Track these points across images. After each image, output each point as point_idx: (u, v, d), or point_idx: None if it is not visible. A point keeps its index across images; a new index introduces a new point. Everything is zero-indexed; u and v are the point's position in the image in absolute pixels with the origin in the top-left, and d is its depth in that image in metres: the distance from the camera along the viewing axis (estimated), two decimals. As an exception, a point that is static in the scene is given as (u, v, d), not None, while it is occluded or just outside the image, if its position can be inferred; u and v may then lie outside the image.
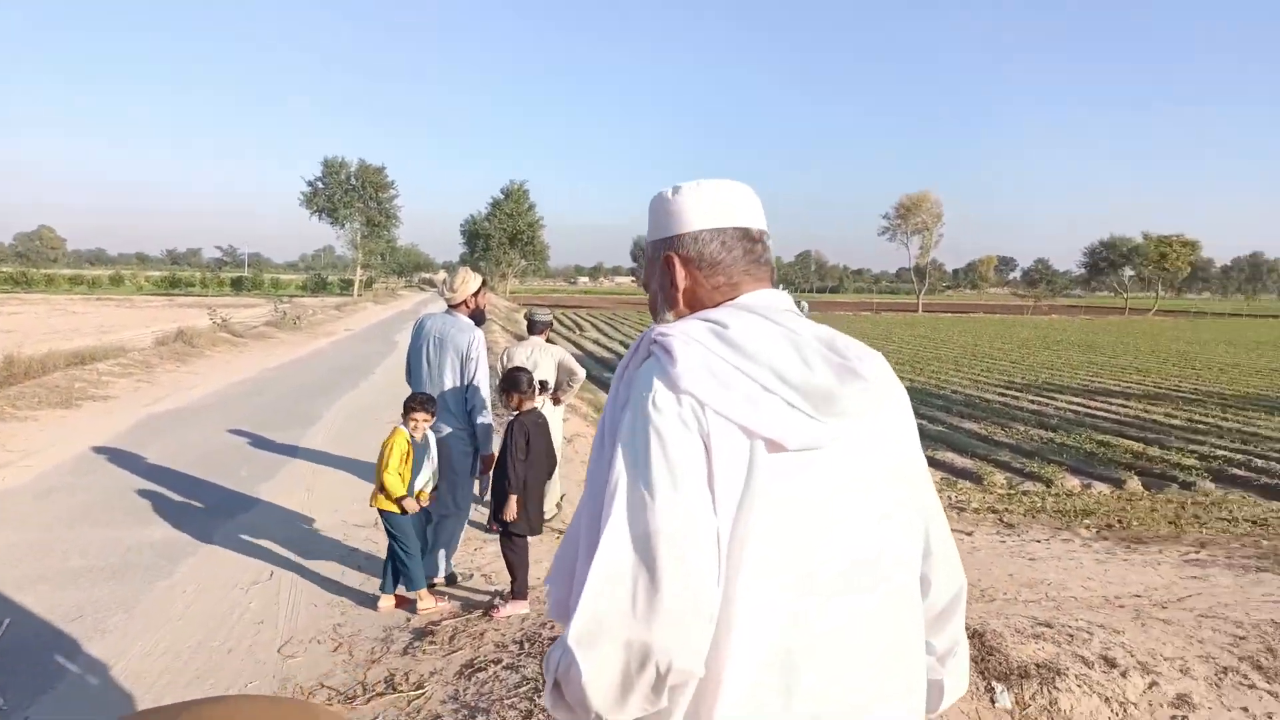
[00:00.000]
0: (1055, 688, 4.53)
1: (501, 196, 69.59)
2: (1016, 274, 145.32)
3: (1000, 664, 4.63)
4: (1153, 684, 4.59)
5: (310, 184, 60.37)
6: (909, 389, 18.66)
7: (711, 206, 1.28)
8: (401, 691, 3.38)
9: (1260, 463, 11.21)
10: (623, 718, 1.05)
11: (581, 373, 6.34)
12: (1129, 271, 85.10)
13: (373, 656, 3.78)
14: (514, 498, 4.20)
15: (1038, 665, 4.63)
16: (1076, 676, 4.58)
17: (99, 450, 8.10)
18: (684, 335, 1.15)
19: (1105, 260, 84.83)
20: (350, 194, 60.11)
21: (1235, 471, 10.76)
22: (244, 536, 5.57)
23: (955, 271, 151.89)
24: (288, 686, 3.50)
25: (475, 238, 70.67)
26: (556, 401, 6.22)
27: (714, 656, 1.06)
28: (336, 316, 33.89)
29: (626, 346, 27.23)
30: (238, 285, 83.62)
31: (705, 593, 1.03)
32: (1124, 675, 4.63)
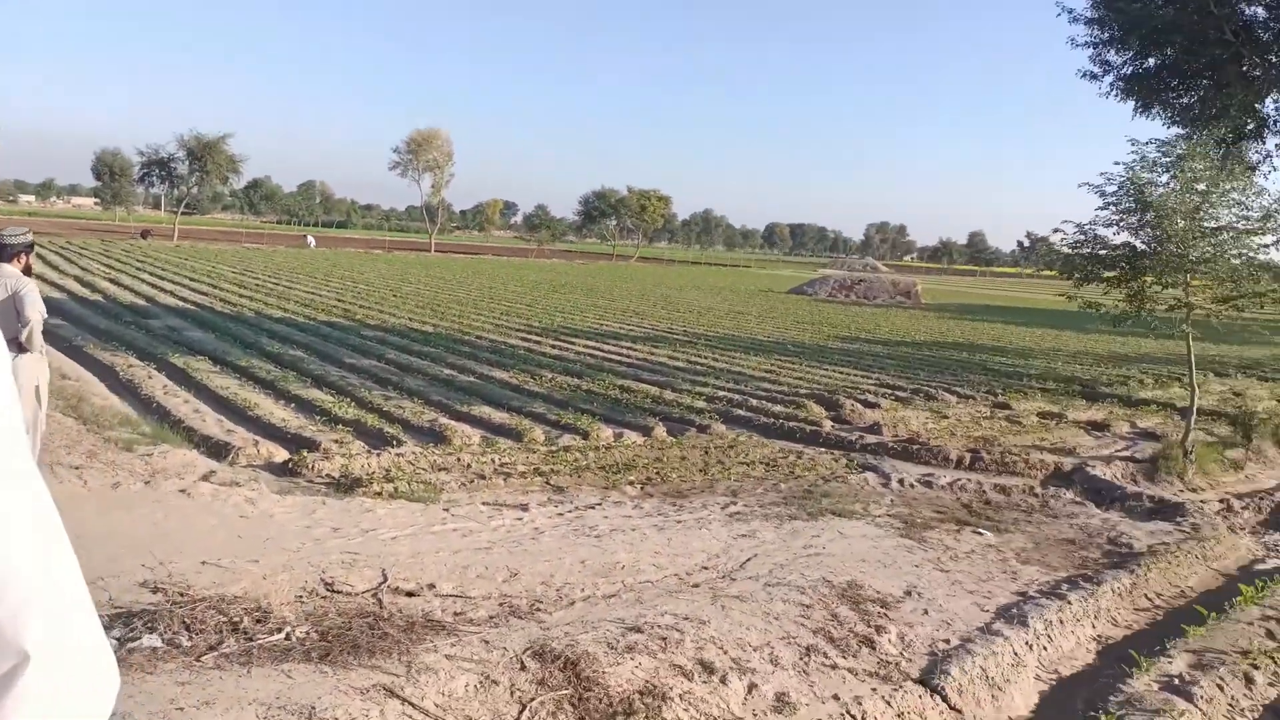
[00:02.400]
0: (663, 718, 3.82)
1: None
2: (519, 218, 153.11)
3: (602, 702, 3.77)
4: (752, 686, 4.10)
5: None
6: (434, 334, 17.75)
7: None
8: None
9: (755, 402, 12.31)
10: None
11: (33, 315, 5.39)
12: (614, 220, 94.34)
13: None
14: None
15: (640, 693, 3.87)
16: (681, 697, 3.91)
17: None
18: None
19: (596, 209, 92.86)
20: None
21: (738, 412, 11.62)
22: None
23: (463, 213, 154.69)
24: None
25: None
26: (22, 349, 5.38)
27: None
28: None
29: (86, 285, 22.03)
30: None
31: None
32: (724, 681, 4.07)
